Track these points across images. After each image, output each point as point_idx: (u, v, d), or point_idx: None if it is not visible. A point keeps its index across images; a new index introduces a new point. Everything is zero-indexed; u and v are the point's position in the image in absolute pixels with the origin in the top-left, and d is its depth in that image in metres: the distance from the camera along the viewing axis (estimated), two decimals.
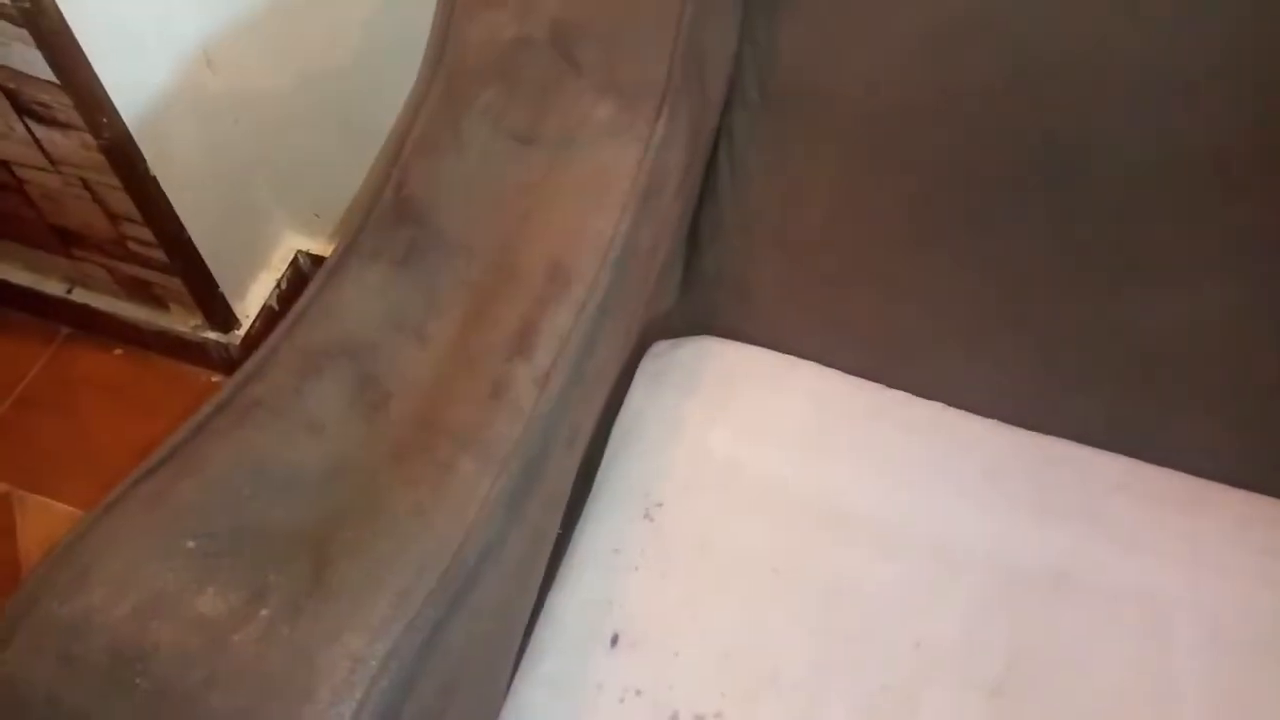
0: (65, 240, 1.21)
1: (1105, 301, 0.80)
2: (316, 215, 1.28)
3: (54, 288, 1.31)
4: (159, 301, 1.27)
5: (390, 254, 0.69)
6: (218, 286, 1.22)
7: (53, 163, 1.07)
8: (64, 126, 1.00)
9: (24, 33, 0.90)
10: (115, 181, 1.05)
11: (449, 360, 0.64)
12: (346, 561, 0.55)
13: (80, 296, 1.31)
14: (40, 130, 1.02)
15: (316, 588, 0.53)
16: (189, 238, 1.14)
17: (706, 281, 0.91)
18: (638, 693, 0.72)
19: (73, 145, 1.02)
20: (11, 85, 0.97)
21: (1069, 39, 0.71)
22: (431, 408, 0.62)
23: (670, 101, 0.72)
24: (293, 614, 0.52)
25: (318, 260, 1.33)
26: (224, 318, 1.26)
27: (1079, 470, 0.82)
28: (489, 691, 0.70)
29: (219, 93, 1.09)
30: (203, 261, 1.18)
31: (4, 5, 0.87)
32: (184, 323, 1.28)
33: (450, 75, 0.74)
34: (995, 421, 0.85)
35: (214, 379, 1.33)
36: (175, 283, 1.20)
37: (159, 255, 1.15)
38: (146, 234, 1.12)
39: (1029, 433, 0.84)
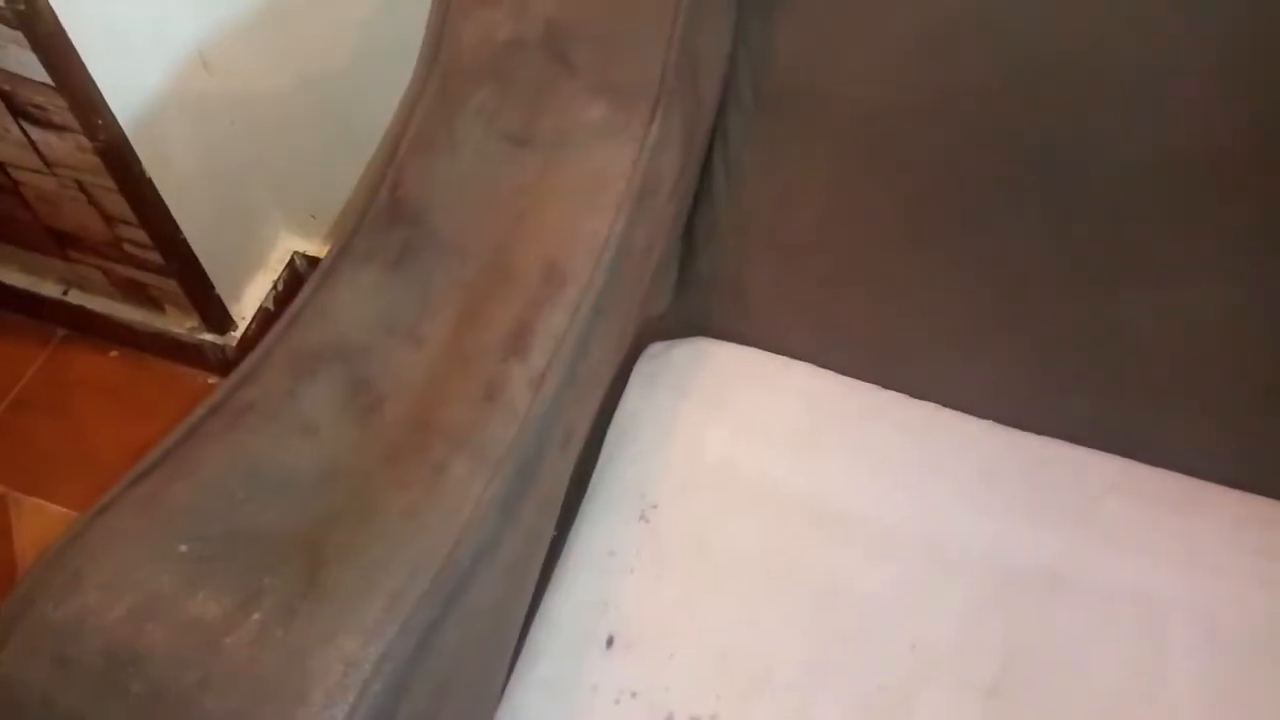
0: (61, 242, 1.21)
1: (1100, 302, 0.80)
2: (313, 216, 1.28)
3: (50, 289, 1.31)
4: (155, 303, 1.27)
5: (384, 255, 0.69)
6: (213, 288, 1.22)
7: (48, 165, 1.07)
8: (59, 129, 1.00)
9: (19, 35, 0.90)
10: (110, 184, 1.05)
11: (443, 362, 0.64)
12: (340, 564, 0.54)
13: (76, 298, 1.31)
14: (35, 132, 1.02)
15: (310, 590, 0.53)
16: (184, 239, 1.14)
17: (701, 283, 0.91)
18: (633, 694, 0.72)
19: (68, 147, 1.02)
20: (7, 88, 0.97)
21: (1065, 39, 0.71)
22: (425, 409, 0.62)
23: (664, 103, 0.72)
24: (286, 617, 0.52)
25: (314, 261, 1.33)
26: (220, 319, 1.26)
27: (1074, 471, 0.82)
28: (483, 694, 0.70)
29: (214, 94, 1.09)
30: (198, 263, 1.18)
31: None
32: (180, 324, 1.28)
33: (445, 76, 0.74)
34: (990, 422, 0.85)
35: (210, 381, 1.33)
36: (171, 284, 1.20)
37: (155, 257, 1.15)
38: (142, 236, 1.12)
39: (1024, 433, 0.84)
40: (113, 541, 0.55)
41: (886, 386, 0.87)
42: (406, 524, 0.57)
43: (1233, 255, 0.75)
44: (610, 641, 0.74)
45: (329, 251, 0.70)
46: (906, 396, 0.86)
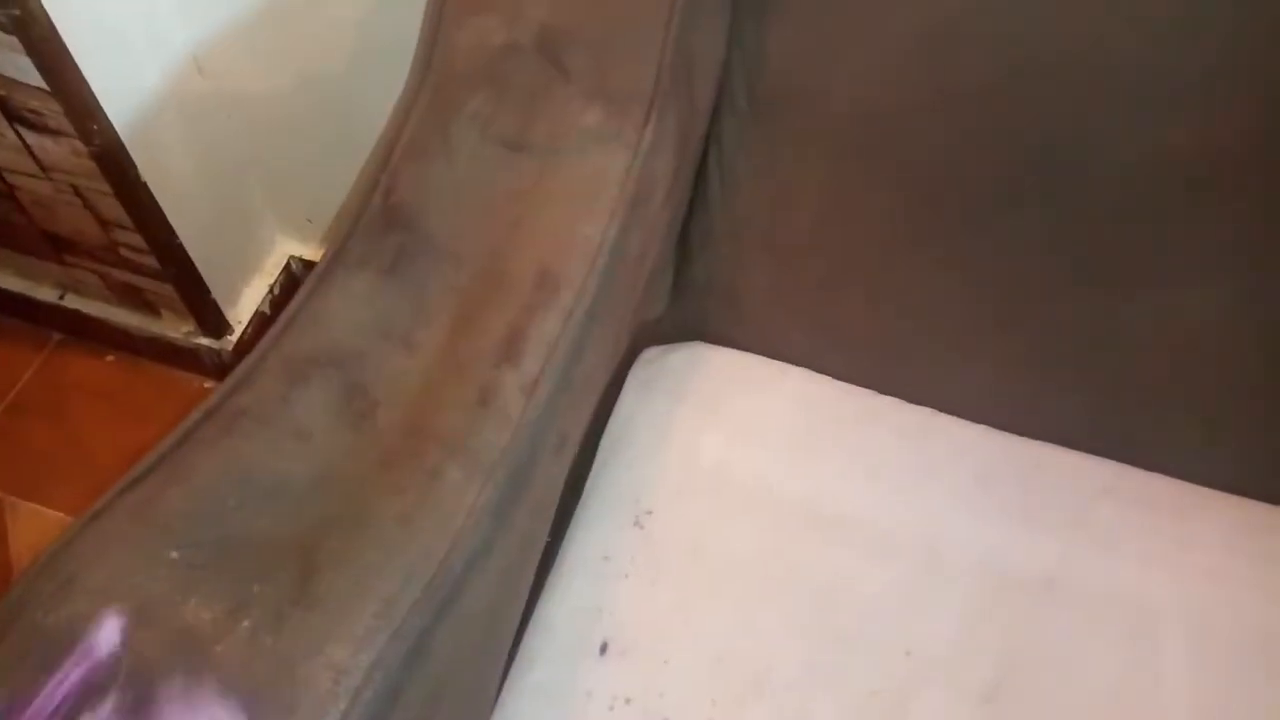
0: (57, 246, 1.21)
1: (1097, 305, 0.80)
2: (309, 220, 1.28)
3: (46, 294, 1.31)
4: (151, 307, 1.27)
5: (378, 261, 0.68)
6: (209, 292, 1.22)
7: (44, 169, 1.07)
8: (54, 133, 1.00)
9: (14, 40, 0.90)
10: (106, 188, 1.05)
11: (437, 368, 0.64)
12: (332, 571, 0.54)
13: (72, 302, 1.31)
14: (31, 137, 1.02)
15: (301, 597, 0.53)
16: (180, 243, 1.14)
17: (697, 288, 0.91)
18: (627, 701, 0.72)
19: (63, 152, 1.02)
20: (2, 92, 0.97)
21: (1062, 40, 0.71)
22: (419, 415, 0.62)
23: (658, 108, 0.72)
24: (276, 624, 0.52)
25: (310, 265, 1.33)
26: (216, 324, 1.26)
27: (1068, 475, 0.82)
28: (477, 701, 0.69)
29: (210, 98, 1.09)
30: (194, 267, 1.18)
31: None
32: (176, 329, 1.28)
33: (439, 81, 0.74)
34: (986, 426, 0.85)
35: (206, 385, 1.33)
36: (167, 289, 1.20)
37: (150, 261, 1.15)
38: (138, 240, 1.12)
39: (1019, 438, 0.84)
40: (105, 548, 0.55)
41: (882, 391, 0.87)
42: (400, 530, 0.56)
43: (1230, 258, 0.75)
44: (604, 647, 0.74)
45: (323, 257, 0.69)
46: (902, 401, 0.86)
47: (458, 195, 0.71)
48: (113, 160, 1.02)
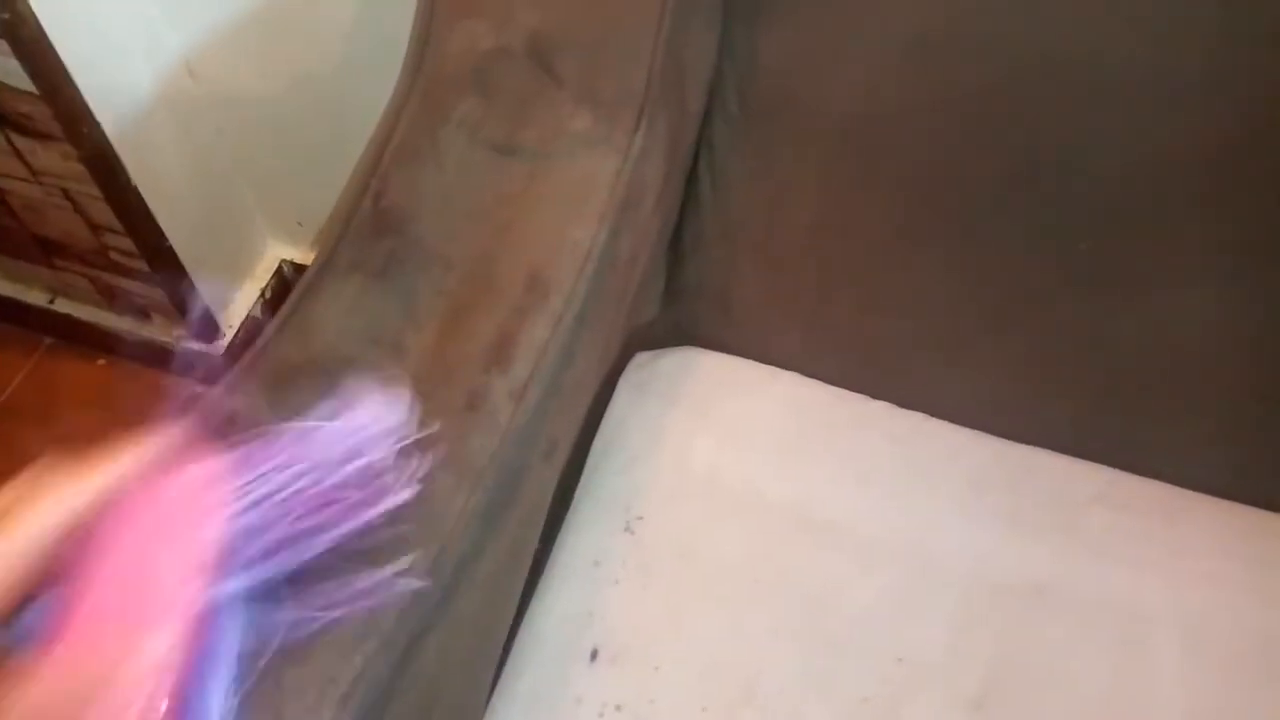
0: (47, 250, 1.20)
1: (1089, 311, 0.80)
2: (300, 224, 1.28)
3: (36, 298, 1.31)
4: (141, 312, 1.26)
5: (368, 265, 0.68)
6: (200, 297, 1.22)
7: (33, 173, 1.06)
8: (44, 137, 0.99)
9: (3, 44, 0.89)
10: (96, 192, 1.05)
11: (425, 372, 0.63)
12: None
13: (62, 307, 1.30)
14: (21, 141, 1.02)
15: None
16: (171, 247, 1.14)
17: (688, 292, 0.91)
18: (617, 708, 0.71)
19: (53, 156, 1.02)
20: None
21: (1058, 44, 0.71)
22: None
23: (649, 113, 0.72)
24: None
25: (301, 269, 1.32)
26: (207, 328, 1.26)
27: (1060, 480, 0.82)
28: (466, 707, 0.69)
29: (201, 102, 1.09)
30: (185, 271, 1.17)
31: None
32: (167, 333, 1.28)
33: (429, 85, 0.74)
34: (977, 432, 0.85)
35: (197, 389, 1.32)
36: (157, 293, 1.20)
37: (141, 265, 1.15)
38: (128, 244, 1.12)
39: (1010, 443, 0.84)
40: None
41: (874, 396, 0.87)
42: None
43: (1223, 263, 0.75)
44: (595, 654, 0.73)
45: (313, 262, 0.69)
46: (894, 406, 0.86)
47: (447, 199, 0.71)
48: (103, 164, 1.01)
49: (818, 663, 0.74)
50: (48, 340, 1.37)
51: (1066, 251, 0.78)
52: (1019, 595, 0.76)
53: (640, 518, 0.80)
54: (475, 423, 0.61)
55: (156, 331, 1.28)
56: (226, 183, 1.20)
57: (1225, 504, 0.81)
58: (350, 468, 0.40)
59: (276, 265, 1.32)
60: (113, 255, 1.16)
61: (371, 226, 0.70)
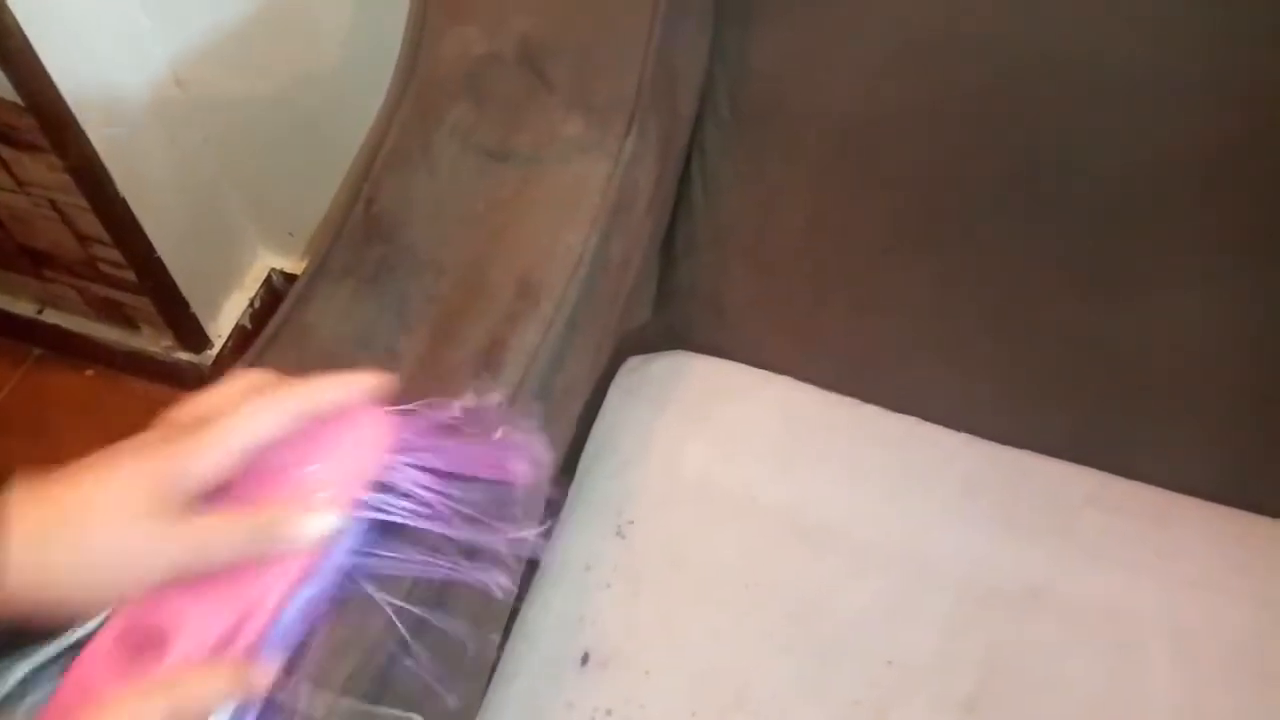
0: (35, 261, 1.20)
1: (1082, 314, 0.80)
2: (290, 233, 1.28)
3: (24, 309, 1.30)
4: (130, 322, 1.26)
5: (360, 272, 0.68)
6: (189, 307, 1.21)
7: (20, 184, 1.06)
8: (30, 148, 0.99)
9: None
10: (84, 203, 1.04)
11: (417, 378, 0.63)
12: None
13: (51, 317, 1.30)
14: (6, 151, 1.02)
15: None
16: (159, 258, 1.13)
17: (680, 296, 0.91)
18: (608, 712, 0.71)
19: (40, 167, 1.01)
20: None
21: (1052, 45, 0.71)
22: None
23: (640, 117, 0.72)
24: None
25: (291, 278, 1.32)
26: (196, 338, 1.25)
27: (1052, 484, 0.82)
28: (458, 713, 0.69)
29: (188, 112, 1.08)
30: (173, 282, 1.17)
31: None
32: (156, 343, 1.27)
33: (420, 91, 0.74)
34: (969, 435, 0.85)
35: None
36: (146, 303, 1.19)
37: (129, 276, 1.14)
38: (116, 255, 1.11)
39: (1003, 446, 0.84)
40: None
41: (867, 399, 0.87)
42: None
43: (1217, 266, 0.75)
44: (585, 658, 0.73)
45: (305, 268, 0.69)
46: (885, 410, 0.86)
47: (439, 205, 0.71)
48: (90, 175, 1.01)
49: (809, 667, 0.73)
50: (36, 351, 1.36)
51: (1061, 254, 0.78)
52: (1011, 599, 0.76)
53: (631, 522, 0.79)
54: None
55: (145, 342, 1.28)
56: (215, 192, 1.20)
57: (1218, 508, 0.81)
58: (492, 490, 0.42)
59: (266, 275, 1.31)
60: (101, 266, 1.15)
61: (363, 232, 0.70)
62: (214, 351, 1.27)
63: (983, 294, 0.81)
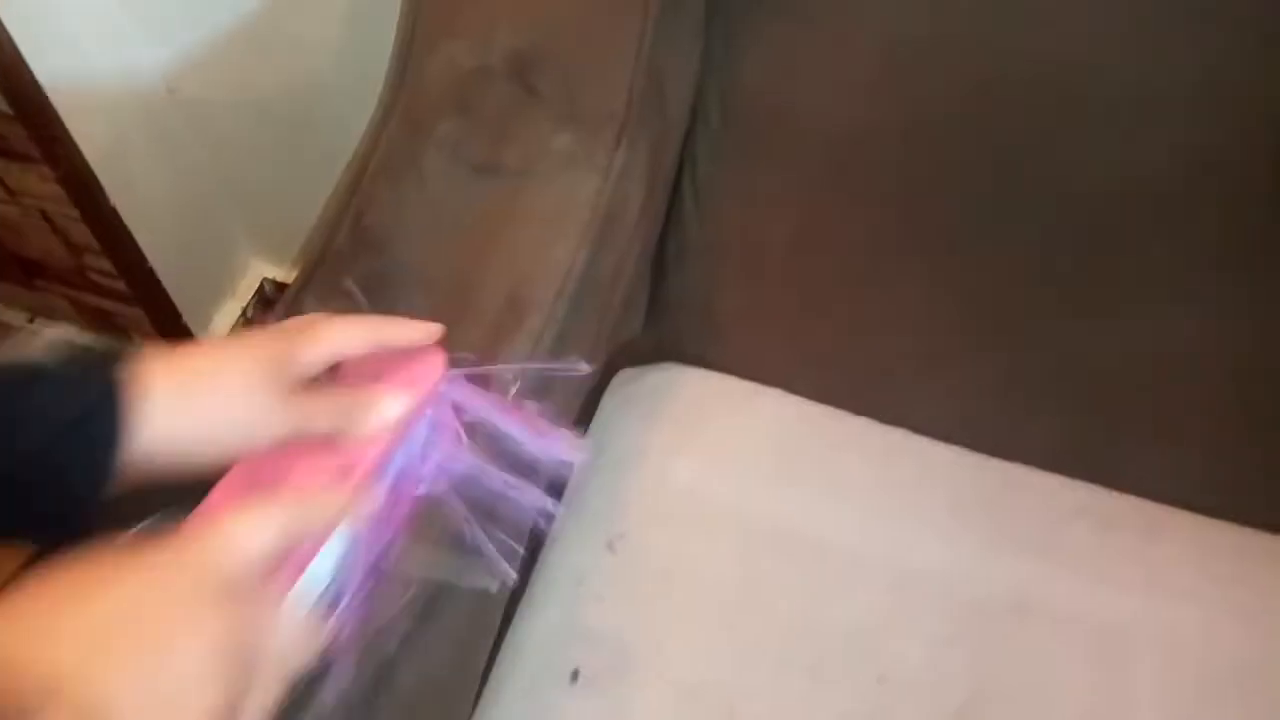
0: (26, 270, 1.19)
1: (1068, 327, 0.80)
2: (282, 242, 1.28)
3: (15, 318, 1.30)
4: (122, 332, 1.25)
5: (350, 285, 0.68)
6: (181, 317, 1.21)
7: (11, 194, 1.06)
8: (21, 158, 0.99)
9: None
10: (75, 212, 1.04)
11: None
12: None
13: (42, 326, 1.29)
14: None
15: None
16: (151, 268, 1.13)
17: (672, 308, 0.91)
18: None
19: (31, 177, 1.01)
20: None
21: (1036, 64, 0.71)
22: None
23: (630, 130, 0.72)
24: None
25: (283, 287, 1.32)
26: None
27: (1040, 497, 0.82)
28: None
29: (181, 122, 1.08)
30: (165, 292, 1.17)
31: None
32: None
33: (410, 104, 0.74)
34: (958, 448, 0.85)
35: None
36: (138, 313, 1.19)
37: (121, 286, 1.14)
38: (108, 265, 1.11)
39: (991, 459, 0.84)
40: None
41: (856, 411, 0.87)
42: None
43: (1200, 279, 0.76)
44: (576, 674, 0.73)
45: (293, 281, 0.69)
46: (874, 422, 0.86)
47: (428, 218, 0.71)
48: (81, 185, 1.01)
49: (798, 682, 0.73)
50: None
51: (1048, 267, 0.78)
52: (999, 612, 0.76)
53: (623, 536, 0.79)
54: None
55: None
56: (207, 201, 1.19)
57: (1205, 520, 0.81)
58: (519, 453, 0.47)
59: (258, 284, 1.31)
60: (92, 275, 1.15)
61: (353, 246, 0.70)
62: None
63: (971, 307, 0.81)
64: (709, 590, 0.77)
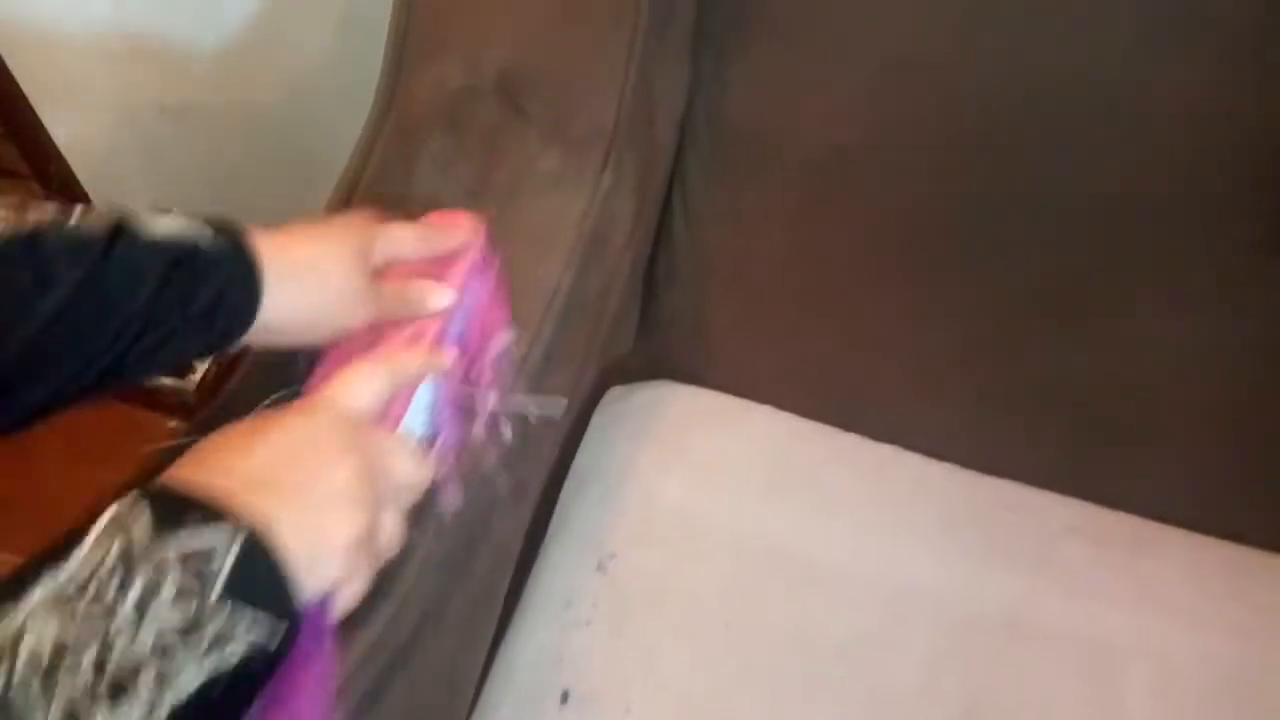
0: None
1: (1056, 345, 0.80)
2: None
3: None
4: None
5: None
6: None
7: None
8: (10, 175, 0.99)
9: None
10: None
11: None
12: None
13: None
14: None
15: None
16: None
17: (663, 325, 0.90)
18: None
19: (21, 193, 1.01)
20: None
21: (1020, 83, 0.71)
22: None
23: (617, 150, 0.72)
24: None
25: None
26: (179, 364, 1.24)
27: (1032, 514, 0.82)
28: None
29: (172, 140, 1.08)
30: None
31: None
32: None
33: (399, 124, 0.74)
34: (950, 465, 0.84)
35: (170, 425, 1.31)
36: None
37: None
38: None
39: (982, 476, 0.84)
40: None
41: (847, 428, 0.87)
42: None
43: (1190, 296, 0.76)
44: (565, 696, 0.72)
45: None
46: (867, 439, 0.86)
47: None
48: (71, 202, 1.01)
49: (791, 702, 0.73)
50: None
51: (1037, 284, 0.78)
52: (991, 629, 0.76)
53: (613, 555, 0.79)
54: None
55: None
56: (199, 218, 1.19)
57: (1196, 537, 0.81)
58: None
59: None
60: None
61: None
62: (197, 377, 1.26)
63: (960, 324, 0.81)
64: (700, 611, 0.76)
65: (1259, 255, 0.72)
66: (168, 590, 0.33)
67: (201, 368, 1.26)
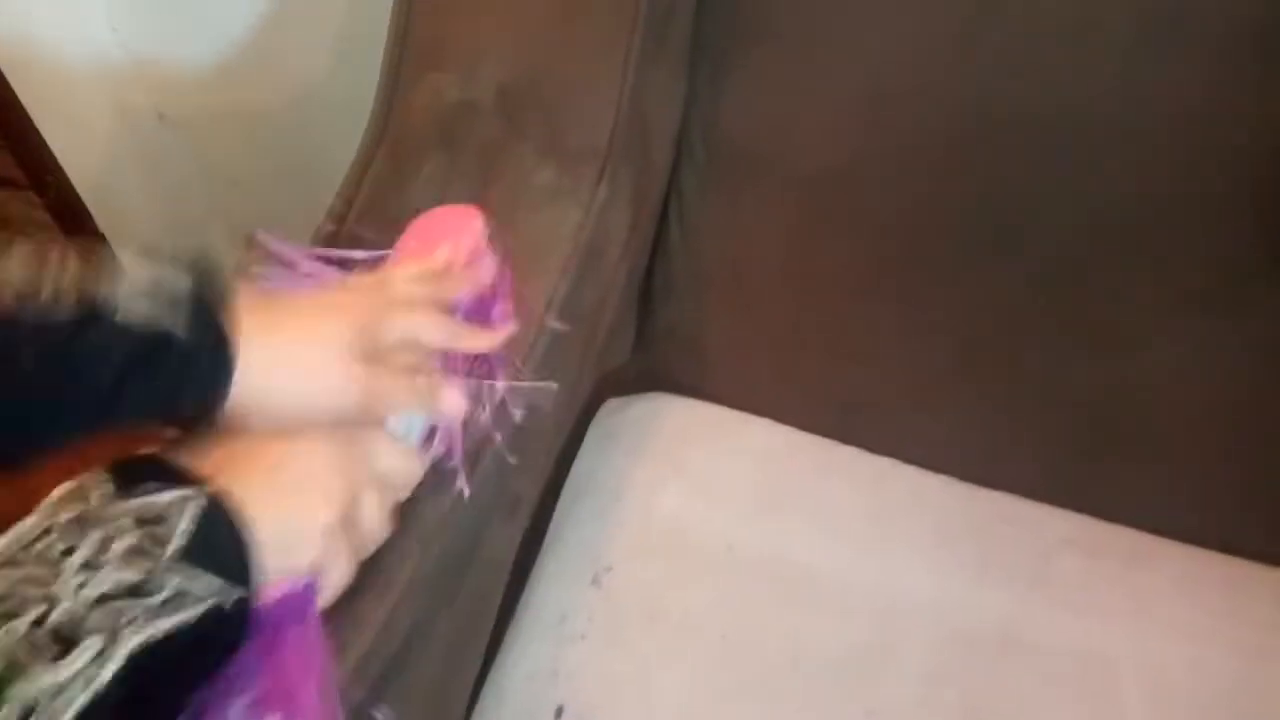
0: None
1: (1055, 357, 0.80)
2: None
3: None
4: None
5: None
6: None
7: None
8: (8, 185, 0.99)
9: None
10: (62, 239, 1.04)
11: None
12: None
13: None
14: None
15: None
16: None
17: (660, 338, 0.90)
18: None
19: (18, 204, 1.01)
20: None
21: (1018, 99, 0.71)
22: None
23: (612, 164, 0.72)
24: None
25: None
26: None
27: (1028, 527, 0.81)
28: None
29: (171, 150, 1.08)
30: None
31: None
32: None
33: (395, 139, 0.74)
34: (946, 478, 0.84)
35: (167, 434, 1.31)
36: None
37: None
38: None
39: (979, 489, 0.84)
40: None
41: (844, 440, 0.87)
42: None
43: (1187, 311, 0.75)
44: (560, 712, 0.72)
45: None
46: (862, 452, 0.86)
47: None
48: (69, 212, 1.01)
49: (787, 715, 0.73)
50: None
51: (1032, 299, 0.78)
52: (987, 644, 0.75)
53: (609, 569, 0.79)
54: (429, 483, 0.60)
55: None
56: (199, 231, 1.19)
57: (1193, 550, 0.80)
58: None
59: None
60: None
61: None
62: None
63: (957, 338, 0.81)
64: (695, 626, 0.76)
65: (1259, 255, 0.72)
66: (119, 549, 0.34)
67: None
